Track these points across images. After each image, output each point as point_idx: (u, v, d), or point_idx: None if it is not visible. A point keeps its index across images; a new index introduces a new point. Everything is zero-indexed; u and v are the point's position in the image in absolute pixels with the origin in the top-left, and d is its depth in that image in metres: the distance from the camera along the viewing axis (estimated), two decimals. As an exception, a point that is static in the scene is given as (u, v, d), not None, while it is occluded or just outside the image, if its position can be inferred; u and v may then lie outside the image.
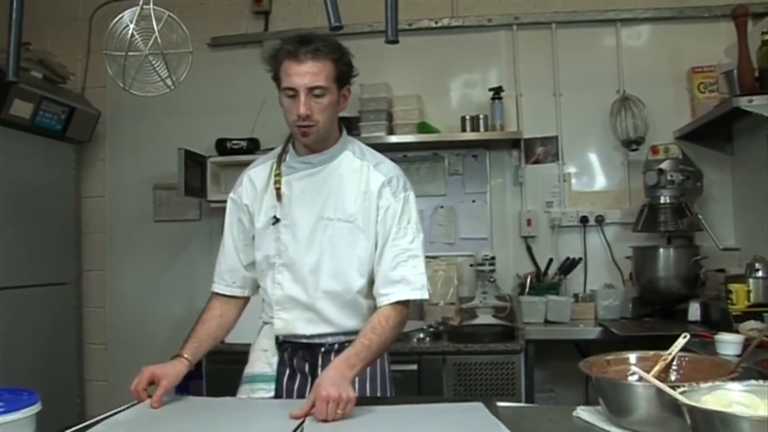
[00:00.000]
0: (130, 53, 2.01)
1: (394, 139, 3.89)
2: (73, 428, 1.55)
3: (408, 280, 1.94)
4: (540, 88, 4.01)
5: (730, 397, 1.24)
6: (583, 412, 1.57)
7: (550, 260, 3.89)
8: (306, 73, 1.88)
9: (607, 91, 3.92)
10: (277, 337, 2.12)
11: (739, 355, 2.37)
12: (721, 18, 3.78)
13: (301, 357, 2.08)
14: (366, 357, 1.79)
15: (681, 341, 1.63)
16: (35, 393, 1.48)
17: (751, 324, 2.75)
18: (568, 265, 3.86)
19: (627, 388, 1.46)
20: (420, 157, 4.09)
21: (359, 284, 2.01)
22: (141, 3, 2.02)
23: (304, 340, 2.06)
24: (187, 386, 3.85)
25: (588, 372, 1.54)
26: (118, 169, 4.37)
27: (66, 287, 4.11)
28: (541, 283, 3.81)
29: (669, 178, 3.48)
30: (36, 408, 1.45)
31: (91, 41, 4.24)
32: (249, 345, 3.30)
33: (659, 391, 1.36)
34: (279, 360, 2.10)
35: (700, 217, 3.52)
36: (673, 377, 1.60)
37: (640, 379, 1.54)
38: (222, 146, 3.96)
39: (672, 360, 1.61)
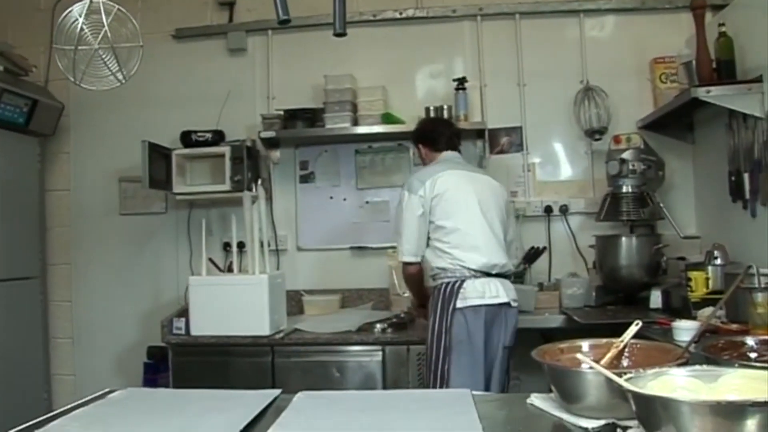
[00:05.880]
0: (80, 47, 1.99)
1: (358, 129, 3.91)
2: (31, 422, 1.54)
3: None
4: (504, 79, 4.04)
5: (674, 382, 1.27)
6: (536, 399, 1.60)
7: (515, 250, 3.93)
8: None
9: (571, 82, 3.97)
10: None
11: (696, 342, 2.42)
12: (681, 9, 3.83)
13: None
14: None
15: (633, 329, 1.65)
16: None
17: (709, 311, 2.80)
18: (533, 254, 3.90)
19: (577, 375, 1.48)
20: (385, 148, 4.11)
21: None
22: (91, -4, 2.01)
23: None
24: (155, 379, 3.88)
25: (540, 360, 1.56)
26: (83, 162, 4.33)
27: (31, 281, 4.08)
28: (506, 273, 3.84)
29: (631, 167, 3.52)
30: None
31: (54, 33, 4.17)
32: (215, 337, 3.34)
33: (609, 378, 1.39)
34: None
35: (661, 205, 3.58)
36: (625, 364, 1.62)
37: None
38: (187, 138, 3.95)
39: (624, 347, 1.64)
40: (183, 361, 3.43)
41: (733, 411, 1.07)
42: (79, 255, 4.32)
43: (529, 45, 4.04)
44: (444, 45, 4.12)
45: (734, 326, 2.51)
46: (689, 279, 3.05)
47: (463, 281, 2.94)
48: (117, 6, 1.98)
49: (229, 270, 3.93)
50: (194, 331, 3.38)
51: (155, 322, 3.71)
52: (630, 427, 1.35)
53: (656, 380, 1.28)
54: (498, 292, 2.98)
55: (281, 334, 3.38)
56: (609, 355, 1.60)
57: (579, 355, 1.49)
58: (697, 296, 2.99)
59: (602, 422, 1.40)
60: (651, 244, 3.53)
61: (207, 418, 1.54)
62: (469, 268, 2.97)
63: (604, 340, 1.68)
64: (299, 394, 1.72)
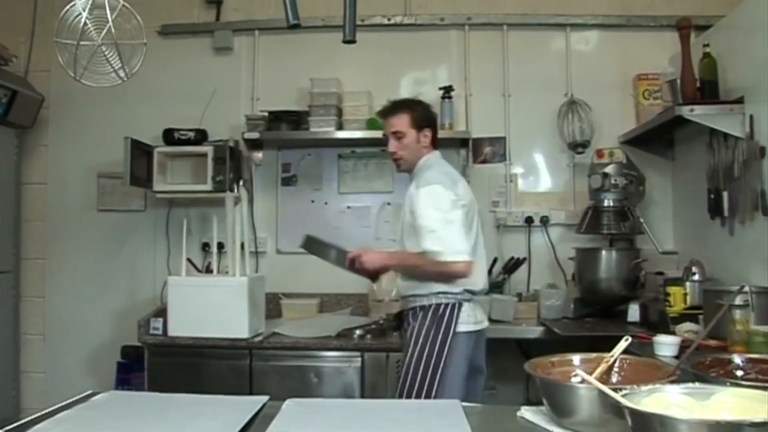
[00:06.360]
0: (82, 42, 1.96)
1: (342, 134, 3.90)
2: (14, 425, 1.51)
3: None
4: (489, 89, 4.06)
5: (668, 399, 1.28)
6: (527, 413, 1.60)
7: (495, 259, 3.93)
8: (389, 124, 2.89)
9: (555, 94, 4.00)
10: None
11: (675, 356, 2.46)
12: (666, 28, 3.88)
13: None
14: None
15: (623, 344, 1.66)
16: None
17: (687, 326, 2.84)
18: (512, 265, 3.92)
19: (570, 390, 1.49)
20: (368, 154, 4.11)
21: None
22: (95, -9, 1.98)
23: None
24: (128, 379, 3.82)
25: (533, 373, 1.56)
26: (62, 156, 4.25)
27: (4, 276, 3.99)
28: (486, 282, 3.86)
29: (613, 181, 3.57)
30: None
31: (36, 23, 4.11)
32: (193, 338, 3.31)
33: (602, 393, 1.40)
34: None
35: (641, 220, 3.62)
36: (614, 379, 1.63)
37: (583, 381, 1.59)
38: (169, 136, 3.90)
39: (614, 362, 1.65)
40: (159, 362, 3.39)
41: (731, 431, 1.09)
42: (54, 250, 4.24)
43: (515, 56, 4.06)
44: (431, 53, 4.13)
45: (713, 342, 2.54)
46: (668, 294, 3.09)
47: (461, 304, 2.73)
48: (122, 2, 1.95)
49: (208, 271, 3.90)
50: (172, 332, 3.34)
51: (129, 322, 3.66)
52: (623, 443, 1.36)
53: (650, 397, 1.29)
54: (483, 316, 2.86)
55: (260, 338, 3.35)
56: (599, 370, 1.61)
57: (581, 372, 1.49)
58: (675, 311, 3.04)
59: (596, 437, 1.40)
60: (630, 258, 3.57)
61: (197, 424, 1.53)
62: (470, 291, 2.76)
63: (594, 355, 1.69)
64: (288, 402, 1.71)
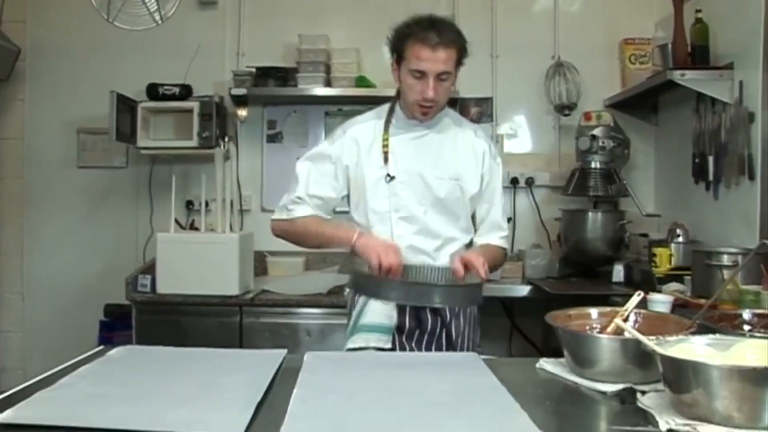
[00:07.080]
0: (118, -19, 1.90)
1: (330, 91, 3.87)
2: (37, 379, 1.49)
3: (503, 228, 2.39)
4: (477, 49, 3.97)
5: (694, 349, 1.33)
6: (546, 364, 1.64)
7: (481, 220, 3.96)
8: (438, 60, 2.07)
9: (543, 56, 4.01)
10: None
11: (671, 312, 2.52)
12: (652, -7, 3.92)
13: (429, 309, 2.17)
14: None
15: (636, 299, 1.70)
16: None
17: (674, 285, 2.91)
18: (498, 225, 3.95)
19: (593, 340, 1.53)
20: (355, 111, 3.99)
21: (459, 234, 2.26)
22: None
23: None
24: (110, 338, 3.78)
25: (554, 324, 1.60)
26: (39, 111, 4.13)
27: (-21, 234, 3.91)
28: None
29: (601, 144, 3.61)
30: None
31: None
32: (182, 295, 3.29)
33: (623, 343, 1.45)
34: (399, 313, 2.15)
35: (626, 183, 3.67)
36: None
37: (601, 331, 1.64)
38: (154, 91, 3.81)
39: (627, 316, 1.69)
40: (147, 320, 3.37)
41: (762, 376, 1.13)
42: (32, 208, 4.14)
43: (503, 17, 4.06)
44: (419, 11, 4.04)
45: (702, 301, 2.60)
46: (654, 255, 3.15)
47: None
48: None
49: (192, 228, 3.86)
50: (161, 289, 3.31)
51: (111, 280, 3.63)
52: (647, 392, 1.40)
53: (677, 347, 1.33)
54: None
55: (250, 295, 3.34)
56: (614, 323, 1.65)
57: (619, 322, 1.52)
58: (661, 272, 3.10)
59: (620, 386, 1.44)
60: (615, 219, 3.63)
61: (225, 377, 1.51)
62: None
63: (609, 309, 1.73)
64: (308, 355, 1.71)
